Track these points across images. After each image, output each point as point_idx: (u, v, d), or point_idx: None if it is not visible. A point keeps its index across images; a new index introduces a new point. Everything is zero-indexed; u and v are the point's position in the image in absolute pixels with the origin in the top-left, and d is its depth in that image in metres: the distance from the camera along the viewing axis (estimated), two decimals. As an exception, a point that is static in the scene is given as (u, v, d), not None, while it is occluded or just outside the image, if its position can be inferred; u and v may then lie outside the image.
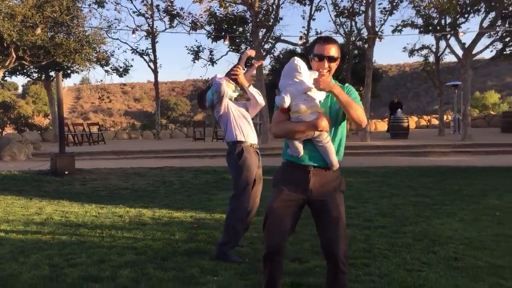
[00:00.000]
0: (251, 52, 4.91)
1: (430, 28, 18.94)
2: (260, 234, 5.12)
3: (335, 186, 2.84)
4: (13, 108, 29.77)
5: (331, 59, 2.73)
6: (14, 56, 18.37)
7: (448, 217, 5.98)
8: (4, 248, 4.73)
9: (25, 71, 21.83)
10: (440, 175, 9.89)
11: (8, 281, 3.79)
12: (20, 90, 69.17)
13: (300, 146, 2.79)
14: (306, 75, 2.68)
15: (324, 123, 2.68)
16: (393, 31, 19.20)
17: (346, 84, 2.85)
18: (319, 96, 2.71)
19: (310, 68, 2.77)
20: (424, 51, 21.31)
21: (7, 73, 20.94)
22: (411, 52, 21.52)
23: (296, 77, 2.68)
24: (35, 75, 22.82)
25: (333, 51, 2.73)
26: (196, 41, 39.92)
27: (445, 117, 23.23)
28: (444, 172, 10.36)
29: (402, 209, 6.53)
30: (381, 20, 19.96)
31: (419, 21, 19.14)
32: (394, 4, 19.24)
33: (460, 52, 17.52)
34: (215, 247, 4.47)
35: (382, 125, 27.84)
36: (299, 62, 2.69)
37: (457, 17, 18.10)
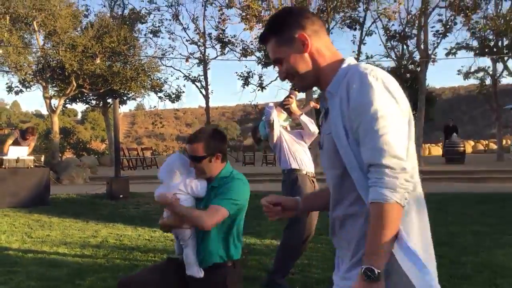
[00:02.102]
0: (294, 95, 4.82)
1: (486, 50, 18.37)
2: (311, 261, 5.04)
3: None
4: (72, 133, 31.23)
5: (194, 158, 2.56)
6: (75, 84, 19.37)
7: (510, 247, 5.66)
8: (61, 270, 4.89)
9: (84, 98, 22.91)
10: (500, 203, 9.42)
11: (65, 302, 3.90)
12: (79, 116, 72.43)
13: (175, 245, 2.72)
14: (178, 173, 2.62)
15: (161, 222, 2.61)
16: (447, 54, 18.77)
17: (230, 176, 2.60)
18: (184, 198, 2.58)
19: None
20: (480, 74, 20.66)
21: (67, 100, 22.03)
22: (466, 75, 20.90)
23: (173, 177, 2.62)
24: (94, 102, 23.90)
25: (196, 150, 2.55)
26: (246, 67, 40.67)
27: (504, 141, 22.26)
28: (505, 199, 9.85)
29: (460, 238, 6.24)
30: (434, 43, 19.56)
31: (475, 43, 18.64)
32: (448, 27, 18.83)
33: (519, 74, 16.87)
34: (266, 274, 4.43)
35: (436, 150, 27.03)
36: (173, 157, 2.68)
37: (515, 38, 17.49)
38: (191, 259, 2.52)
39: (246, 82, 23.71)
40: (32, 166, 10.07)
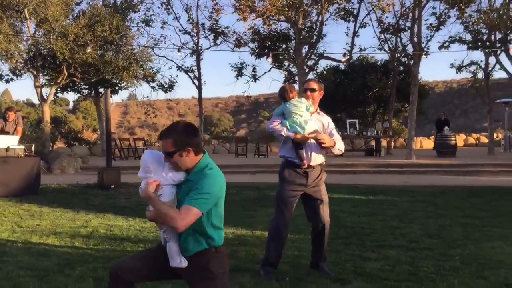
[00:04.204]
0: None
1: (479, 44, 18.43)
2: (301, 252, 5.06)
3: None
4: (64, 123, 30.95)
5: (165, 154, 2.62)
6: (66, 73, 19.18)
7: (499, 240, 5.71)
8: (51, 260, 4.87)
9: (76, 87, 22.69)
10: (490, 196, 9.50)
11: (54, 292, 3.89)
12: (71, 105, 71.98)
13: (161, 235, 2.81)
14: (153, 169, 2.63)
15: (148, 214, 2.64)
16: (440, 47, 18.83)
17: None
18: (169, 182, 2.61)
19: None
20: (473, 67, 20.73)
21: (59, 89, 21.85)
22: (459, 69, 20.97)
23: (149, 174, 2.64)
24: (85, 91, 23.70)
25: (166, 146, 2.62)
26: (240, 58, 40.59)
27: (495, 135, 22.41)
28: (495, 193, 9.94)
29: (450, 231, 6.30)
30: (427, 36, 19.59)
31: (468, 37, 18.69)
32: (441, 20, 18.86)
33: (511, 69, 16.97)
34: (257, 266, 4.47)
35: (428, 143, 27.18)
36: (144, 156, 2.69)
37: (508, 32, 17.54)
38: (174, 251, 2.59)
39: (239, 73, 23.65)
40: (23, 156, 9.97)
